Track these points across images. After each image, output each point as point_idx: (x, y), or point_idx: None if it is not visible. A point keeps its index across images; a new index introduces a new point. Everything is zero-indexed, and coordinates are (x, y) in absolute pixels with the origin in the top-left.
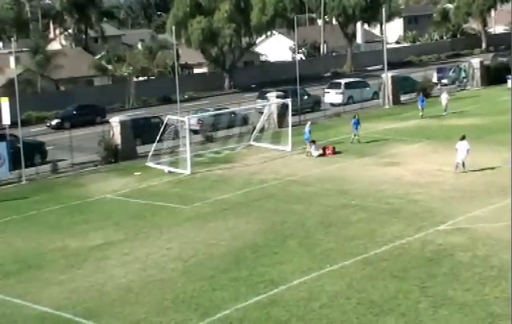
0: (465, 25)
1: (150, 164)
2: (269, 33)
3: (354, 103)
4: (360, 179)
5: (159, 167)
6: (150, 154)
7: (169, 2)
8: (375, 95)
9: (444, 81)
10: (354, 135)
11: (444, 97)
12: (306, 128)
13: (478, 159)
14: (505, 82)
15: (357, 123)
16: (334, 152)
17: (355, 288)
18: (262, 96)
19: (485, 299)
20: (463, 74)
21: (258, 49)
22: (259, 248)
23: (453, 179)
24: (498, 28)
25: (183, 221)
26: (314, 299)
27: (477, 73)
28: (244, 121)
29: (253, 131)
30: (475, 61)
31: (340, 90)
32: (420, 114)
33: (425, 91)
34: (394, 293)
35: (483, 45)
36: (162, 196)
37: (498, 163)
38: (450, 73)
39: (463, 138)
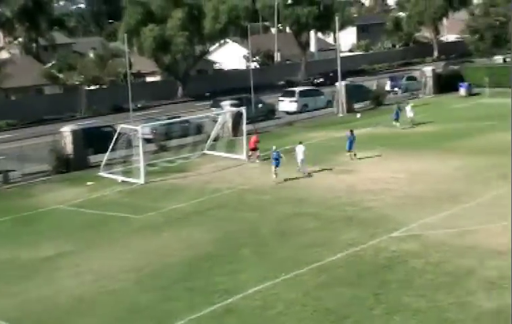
0: (417, 34)
1: (102, 174)
2: (222, 41)
3: (308, 111)
4: (314, 187)
5: (111, 176)
6: (103, 163)
7: (120, 10)
8: (329, 103)
9: (397, 89)
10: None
11: (409, 109)
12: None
13: (429, 166)
14: (457, 89)
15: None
16: (254, 148)
17: (311, 296)
18: (216, 105)
19: (439, 305)
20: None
21: (212, 57)
22: (213, 257)
23: (406, 186)
24: (450, 36)
25: (136, 230)
26: (269, 307)
27: (430, 82)
28: (198, 129)
29: (207, 140)
30: (427, 69)
31: (295, 99)
32: (397, 124)
33: (378, 99)
34: (349, 301)
35: (435, 53)
36: (115, 206)
37: (449, 169)
38: (403, 81)
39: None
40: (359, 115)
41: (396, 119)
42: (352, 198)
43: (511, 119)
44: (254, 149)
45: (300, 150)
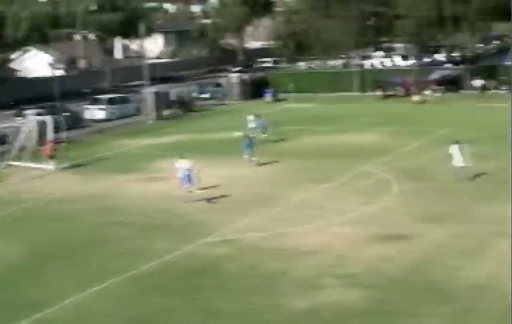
0: (222, 41)
1: None
2: (26, 48)
3: (117, 119)
4: (126, 196)
5: None
6: None
7: None
8: (138, 111)
9: (205, 96)
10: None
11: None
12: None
13: (243, 170)
14: (263, 95)
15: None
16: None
17: (125, 306)
18: (20, 114)
19: (253, 308)
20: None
21: (15, 65)
22: (22, 270)
23: (220, 191)
24: (255, 43)
25: None
26: (83, 319)
27: (236, 88)
28: (2, 140)
29: (12, 150)
30: (234, 76)
31: (103, 106)
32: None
33: (184, 104)
34: (164, 309)
35: (241, 60)
36: None
37: (263, 173)
38: (210, 88)
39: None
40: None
41: (264, 132)
42: (165, 205)
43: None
44: (51, 157)
45: (181, 165)
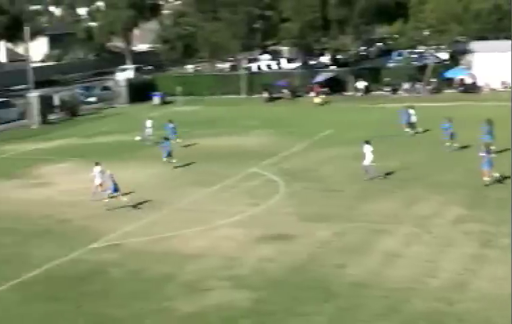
0: (109, 44)
1: None
2: None
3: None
4: (9, 202)
5: None
6: None
7: None
8: (22, 115)
9: (92, 99)
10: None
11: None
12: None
13: (127, 174)
14: (150, 99)
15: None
16: None
17: (9, 314)
18: None
19: (140, 313)
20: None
21: None
22: None
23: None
24: (142, 46)
25: None
26: None
27: (124, 91)
28: None
29: None
30: (121, 79)
31: None
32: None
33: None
34: (50, 316)
35: (128, 63)
36: None
37: (146, 177)
38: (98, 91)
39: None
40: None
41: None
42: (49, 211)
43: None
44: None
45: (97, 171)
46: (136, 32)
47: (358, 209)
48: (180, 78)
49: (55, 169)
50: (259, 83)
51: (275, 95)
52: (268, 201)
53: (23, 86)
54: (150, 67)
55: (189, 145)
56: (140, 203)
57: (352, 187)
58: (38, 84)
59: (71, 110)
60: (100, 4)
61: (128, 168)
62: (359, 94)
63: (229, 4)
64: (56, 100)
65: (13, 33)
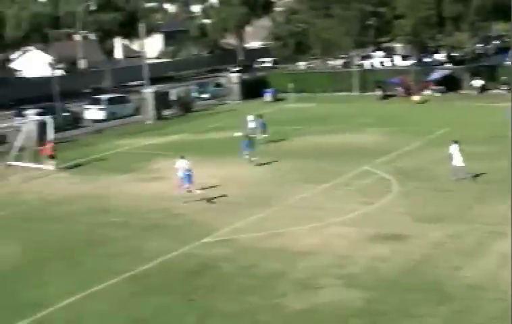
0: (222, 41)
1: None
2: (25, 48)
3: (116, 119)
4: (123, 196)
5: None
6: None
7: None
8: (137, 111)
9: (205, 96)
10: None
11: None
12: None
13: (238, 171)
14: (262, 95)
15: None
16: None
17: (122, 306)
18: (20, 114)
19: (251, 308)
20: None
21: (15, 65)
22: (20, 270)
23: (216, 191)
24: (254, 43)
25: None
26: (81, 320)
27: (236, 88)
28: (2, 140)
29: (11, 150)
30: (233, 76)
31: (102, 106)
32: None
33: (184, 104)
34: (162, 309)
35: (241, 60)
36: None
37: (256, 173)
38: (211, 88)
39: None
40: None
41: (263, 132)
42: (162, 205)
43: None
44: (51, 157)
45: (181, 165)
46: (248, 29)
47: (473, 210)
48: (291, 75)
49: (168, 164)
50: (372, 80)
51: (388, 93)
52: (381, 200)
53: (138, 82)
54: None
55: (299, 142)
56: (248, 199)
57: (466, 187)
58: (153, 81)
59: (185, 106)
60: (214, 1)
61: (238, 164)
62: (475, 92)
63: (342, 0)
64: (173, 96)
65: (128, 30)
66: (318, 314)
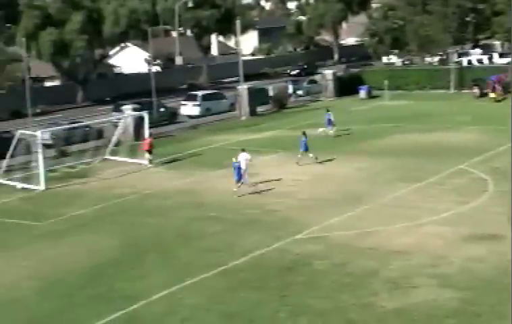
0: (317, 37)
1: (1, 180)
2: (123, 44)
3: (211, 115)
4: (216, 191)
5: (10, 183)
6: (2, 170)
7: (18, 13)
8: (232, 107)
9: (299, 92)
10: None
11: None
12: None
13: (332, 168)
14: (357, 92)
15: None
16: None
17: (215, 300)
18: (117, 109)
19: (343, 306)
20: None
21: (112, 61)
22: (116, 263)
23: (309, 188)
24: (350, 40)
25: (37, 238)
26: (174, 313)
27: (330, 84)
28: (99, 134)
29: (108, 144)
30: (328, 72)
31: (197, 102)
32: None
33: (279, 101)
34: (254, 304)
35: (336, 56)
36: (15, 213)
37: (351, 171)
38: (305, 85)
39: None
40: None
41: (329, 126)
42: (255, 201)
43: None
44: (149, 152)
45: (242, 158)
46: (344, 25)
47: None
48: (387, 72)
49: (262, 160)
50: (470, 78)
51: (486, 91)
52: (477, 199)
53: (233, 79)
54: (357, 61)
55: (393, 140)
56: (342, 197)
57: None
58: (248, 77)
59: (280, 102)
60: None
61: (333, 160)
62: None
63: None
64: (268, 93)
65: (225, 27)
66: (411, 314)
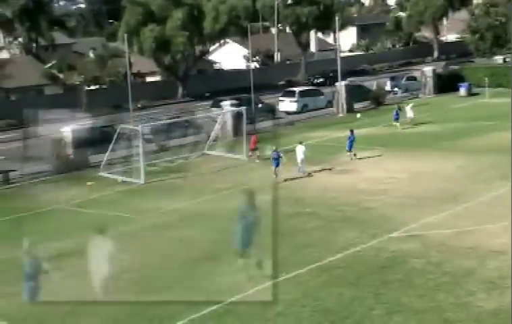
0: (417, 34)
1: (103, 174)
2: (222, 41)
3: (308, 111)
4: (313, 187)
5: (111, 176)
6: (103, 163)
7: (121, 10)
8: (329, 103)
9: (397, 89)
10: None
11: (409, 109)
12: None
13: (430, 166)
14: (457, 89)
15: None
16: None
17: (310, 296)
18: (216, 105)
19: (439, 305)
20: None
21: (212, 57)
22: (213, 257)
23: (406, 186)
24: (450, 36)
25: (136, 231)
26: (269, 308)
27: (430, 82)
28: (198, 129)
29: (207, 139)
30: (428, 70)
31: (295, 99)
32: (397, 124)
33: (378, 99)
34: (349, 301)
35: (436, 53)
36: (115, 206)
37: (450, 169)
38: (403, 81)
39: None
40: (358, 115)
41: (396, 119)
42: (351, 198)
43: (511, 119)
44: (254, 149)
45: (300, 150)
46: (444, 22)
47: None
48: (488, 69)
49: (358, 157)
50: None
51: None
52: None
53: (331, 75)
54: (458, 58)
55: (492, 138)
56: (439, 195)
57: None
58: (346, 74)
59: (377, 99)
60: None
61: (429, 159)
62: None
63: None
64: (366, 89)
65: (324, 23)
66: (509, 315)
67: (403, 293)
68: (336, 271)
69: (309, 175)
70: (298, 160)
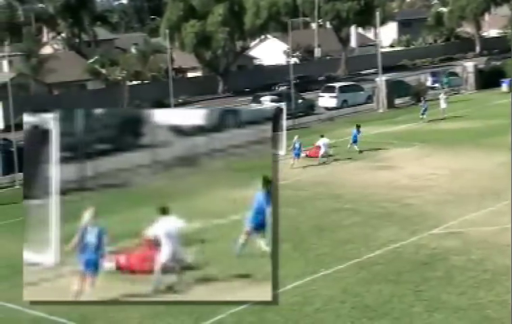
0: (458, 29)
1: None
2: (263, 37)
3: (348, 107)
4: (352, 183)
5: None
6: None
7: (162, 6)
8: (369, 99)
9: (438, 85)
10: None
11: (443, 100)
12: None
13: (471, 163)
14: (499, 85)
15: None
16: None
17: (349, 292)
18: (256, 100)
19: (480, 302)
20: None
21: (252, 53)
22: None
23: (446, 183)
24: (492, 32)
25: None
26: (308, 303)
27: (471, 77)
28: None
29: None
30: (469, 65)
31: (335, 94)
32: (424, 117)
33: (419, 95)
34: (389, 297)
35: (477, 49)
36: None
37: (491, 166)
38: (444, 77)
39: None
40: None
41: (423, 114)
42: (391, 194)
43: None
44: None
45: (322, 142)
46: (486, 17)
47: None
48: None
49: (399, 153)
50: None
51: None
52: None
53: (372, 70)
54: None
55: None
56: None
57: None
58: (386, 69)
59: (418, 95)
60: None
61: (470, 156)
62: None
63: None
64: (407, 85)
65: (364, 19)
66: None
67: (443, 291)
68: (375, 267)
69: (325, 163)
70: (322, 152)
